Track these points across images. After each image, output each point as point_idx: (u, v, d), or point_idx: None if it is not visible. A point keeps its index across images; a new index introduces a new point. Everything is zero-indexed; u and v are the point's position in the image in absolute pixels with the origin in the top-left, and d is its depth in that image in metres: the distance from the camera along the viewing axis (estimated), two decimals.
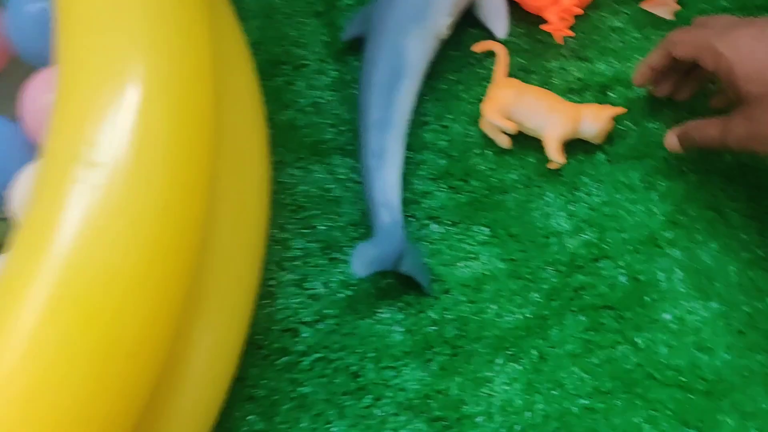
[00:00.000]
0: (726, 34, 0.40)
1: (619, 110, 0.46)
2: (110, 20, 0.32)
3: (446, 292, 0.47)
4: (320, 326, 0.47)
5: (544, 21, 0.50)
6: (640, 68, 0.46)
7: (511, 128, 0.47)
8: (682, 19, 0.51)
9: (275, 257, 0.49)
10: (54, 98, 0.31)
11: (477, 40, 0.52)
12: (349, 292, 0.47)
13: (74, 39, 0.32)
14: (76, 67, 0.31)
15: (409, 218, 0.49)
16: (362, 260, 0.43)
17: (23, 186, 0.36)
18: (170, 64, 0.32)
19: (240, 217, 0.44)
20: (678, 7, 0.50)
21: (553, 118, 0.46)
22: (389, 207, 0.46)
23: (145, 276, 0.28)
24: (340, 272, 0.48)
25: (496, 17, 0.51)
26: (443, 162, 0.50)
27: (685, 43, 0.43)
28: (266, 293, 0.48)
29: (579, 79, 0.50)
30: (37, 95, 0.37)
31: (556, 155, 0.46)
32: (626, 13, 0.52)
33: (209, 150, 0.33)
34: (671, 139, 0.45)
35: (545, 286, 0.46)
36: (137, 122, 0.29)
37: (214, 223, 0.40)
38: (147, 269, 0.28)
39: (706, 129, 0.43)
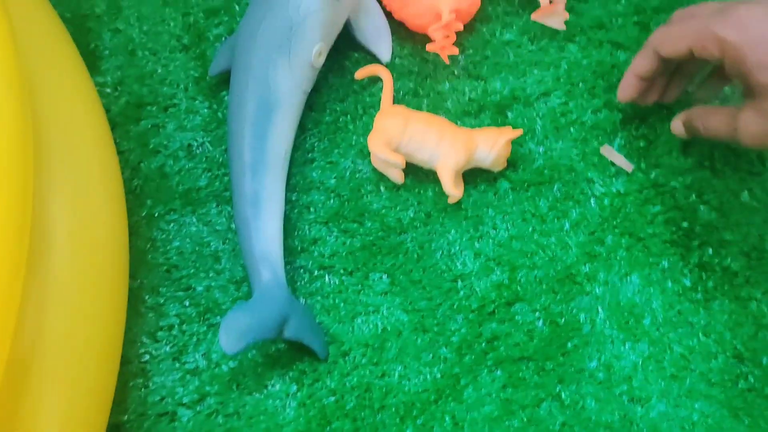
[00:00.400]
0: (726, 17, 0.35)
1: (517, 133, 0.41)
2: None
3: (345, 354, 0.41)
4: (201, 408, 0.40)
5: (430, 39, 0.45)
6: (627, 80, 0.41)
7: (400, 162, 0.42)
8: (573, 27, 0.47)
9: (148, 327, 0.42)
10: None
11: (361, 64, 0.47)
12: (233, 364, 0.41)
13: None
14: None
15: (299, 270, 0.43)
16: (234, 332, 0.36)
17: None
18: None
19: (88, 288, 0.37)
20: (567, 15, 0.46)
21: (444, 147, 0.41)
22: (269, 262, 0.40)
23: None
24: None
25: (379, 39, 0.46)
26: (333, 203, 0.44)
27: (675, 37, 0.37)
28: (138, 371, 0.41)
29: (473, 99, 0.46)
30: None
31: (451, 189, 0.41)
32: (517, 25, 0.47)
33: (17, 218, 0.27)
34: (677, 125, 0.41)
35: (455, 339, 0.41)
36: None
37: (47, 287, 0.34)
38: None
39: (712, 120, 0.38)
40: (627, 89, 0.41)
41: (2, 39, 0.30)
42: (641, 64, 0.40)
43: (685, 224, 0.42)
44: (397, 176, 0.43)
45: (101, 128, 0.41)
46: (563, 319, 0.41)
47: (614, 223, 0.42)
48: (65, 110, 0.38)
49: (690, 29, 0.37)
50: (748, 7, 0.34)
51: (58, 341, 0.34)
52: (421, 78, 0.46)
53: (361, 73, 0.45)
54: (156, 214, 0.45)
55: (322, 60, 0.44)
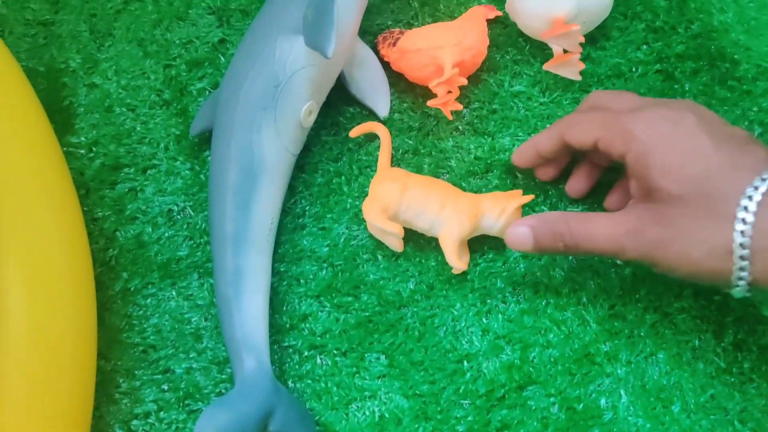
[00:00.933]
0: (638, 113, 0.33)
1: (528, 198, 0.37)
2: None
3: None
4: None
5: (432, 92, 0.42)
6: (526, 148, 0.39)
7: (397, 232, 0.38)
8: (589, 77, 0.43)
9: (122, 415, 0.38)
10: None
11: (356, 120, 0.43)
12: None
13: None
14: None
15: (288, 350, 0.39)
16: (211, 430, 0.32)
17: None
18: None
19: (47, 375, 0.33)
20: (583, 66, 0.42)
21: (446, 215, 0.37)
22: (252, 347, 0.36)
23: None
24: None
25: (376, 93, 0.43)
26: (325, 274, 0.40)
27: (583, 124, 0.35)
28: None
29: (480, 158, 0.42)
30: None
31: (454, 261, 0.37)
32: (528, 75, 0.44)
33: None
34: (520, 234, 0.35)
35: (461, 428, 0.36)
36: None
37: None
38: None
39: (591, 227, 0.33)
40: (523, 157, 0.39)
41: None
42: (543, 142, 0.38)
43: (717, 298, 0.38)
44: (396, 244, 0.39)
45: (66, 195, 0.37)
46: (582, 405, 0.36)
47: (637, 296, 0.38)
48: (22, 175, 0.35)
49: (600, 120, 0.35)
50: (662, 107, 0.33)
51: None
52: (422, 135, 0.43)
53: (356, 131, 0.41)
54: (132, 288, 0.41)
55: (312, 119, 0.40)
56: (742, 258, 0.29)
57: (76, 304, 0.35)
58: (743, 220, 0.29)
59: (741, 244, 0.29)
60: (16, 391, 0.32)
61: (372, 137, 0.43)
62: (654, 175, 0.31)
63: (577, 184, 0.40)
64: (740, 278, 0.30)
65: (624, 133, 0.33)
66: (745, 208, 0.29)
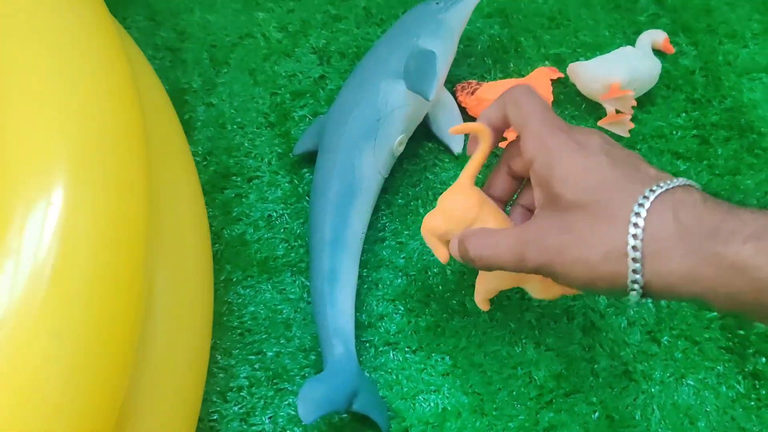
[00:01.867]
0: (557, 131, 0.35)
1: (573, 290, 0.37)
2: (43, 127, 0.29)
3: (406, 430, 0.42)
4: None
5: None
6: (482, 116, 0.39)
7: (442, 257, 0.39)
8: (636, 135, 0.51)
9: (219, 387, 0.44)
10: None
11: (434, 153, 0.50)
12: (298, 430, 0.43)
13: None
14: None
15: (365, 344, 0.45)
16: (310, 402, 0.38)
17: None
18: (97, 178, 0.28)
19: (178, 341, 0.39)
20: (632, 125, 0.49)
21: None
22: (342, 336, 0.42)
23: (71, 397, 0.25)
24: (288, 405, 0.43)
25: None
26: (401, 282, 0.47)
27: (522, 107, 0.37)
28: (207, 429, 0.43)
29: None
30: None
31: (480, 303, 0.41)
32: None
33: (140, 272, 0.30)
34: (452, 245, 0.37)
35: (512, 425, 0.42)
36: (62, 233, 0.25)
37: (147, 346, 0.36)
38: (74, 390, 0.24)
39: (494, 240, 0.35)
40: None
41: (137, 137, 0.33)
42: (491, 111, 0.38)
43: (741, 332, 0.44)
44: (443, 255, 0.39)
45: (198, 197, 0.44)
46: (619, 415, 0.42)
47: (671, 324, 0.44)
48: (171, 178, 0.42)
49: (531, 114, 0.36)
50: (576, 132, 0.35)
51: (151, 392, 0.36)
52: (490, 170, 0.50)
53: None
54: (234, 279, 0.47)
55: (402, 148, 0.47)
56: (634, 260, 0.31)
57: (202, 290, 0.42)
58: (635, 225, 0.31)
59: (633, 247, 0.31)
60: (157, 357, 0.38)
61: (446, 168, 0.50)
62: (555, 183, 0.33)
63: (499, 184, 0.41)
64: (634, 281, 0.31)
65: (540, 138, 0.35)
66: (637, 213, 0.31)
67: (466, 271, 0.47)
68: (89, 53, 0.32)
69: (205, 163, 0.51)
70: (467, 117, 0.51)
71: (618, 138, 0.50)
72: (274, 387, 0.44)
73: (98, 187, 0.30)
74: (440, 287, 0.46)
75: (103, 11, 0.36)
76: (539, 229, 0.34)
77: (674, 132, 0.51)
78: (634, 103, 0.50)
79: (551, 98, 0.50)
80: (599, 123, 0.50)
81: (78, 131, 0.31)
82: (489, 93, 0.50)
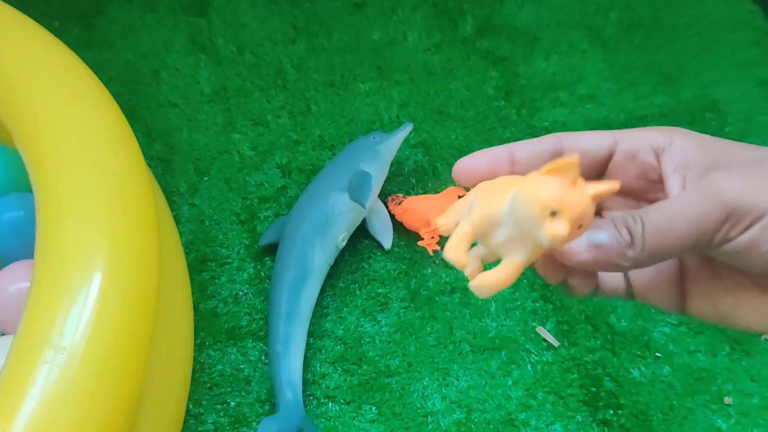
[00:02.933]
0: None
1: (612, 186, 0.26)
2: (80, 230, 0.42)
3: None
4: None
5: (421, 237, 0.64)
6: (491, 155, 0.29)
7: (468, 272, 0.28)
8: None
9: (189, 431, 0.55)
10: (28, 290, 0.39)
11: (369, 248, 0.65)
12: None
13: (50, 248, 0.41)
14: (51, 270, 0.40)
15: (309, 397, 0.57)
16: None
17: None
18: (126, 269, 0.41)
19: (164, 391, 0.51)
20: None
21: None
22: (292, 387, 0.54)
23: None
24: None
25: (384, 232, 0.65)
26: (339, 348, 0.60)
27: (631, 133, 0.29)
28: None
29: (448, 282, 0.63)
30: (4, 285, 0.45)
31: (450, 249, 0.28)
32: None
33: (150, 338, 0.42)
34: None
35: None
36: (97, 315, 0.38)
37: (143, 396, 0.47)
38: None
39: (666, 209, 0.25)
40: (477, 164, 0.29)
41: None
42: (523, 149, 0.29)
43: (593, 389, 0.58)
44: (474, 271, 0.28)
45: (186, 280, 0.57)
46: None
47: (544, 383, 0.58)
48: (170, 266, 0.55)
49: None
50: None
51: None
52: (412, 263, 0.64)
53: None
54: (206, 344, 0.59)
55: (344, 243, 0.62)
56: None
57: (185, 353, 0.54)
58: None
59: None
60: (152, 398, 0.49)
61: (377, 261, 0.64)
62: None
63: None
64: None
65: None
66: None
67: (391, 341, 0.60)
68: (125, 193, 0.45)
69: (187, 250, 0.64)
70: (395, 222, 0.66)
71: None
72: (236, 431, 0.55)
73: (124, 287, 0.41)
74: (371, 353, 0.59)
75: (138, 157, 0.49)
76: (715, 183, 0.25)
77: None
78: None
79: None
80: None
81: (112, 239, 0.43)
82: (412, 204, 0.65)
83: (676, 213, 0.25)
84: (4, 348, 0.43)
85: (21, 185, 0.53)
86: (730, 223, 0.25)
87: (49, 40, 0.57)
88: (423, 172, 0.71)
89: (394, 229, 0.66)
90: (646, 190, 0.30)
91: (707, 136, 0.28)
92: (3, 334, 0.46)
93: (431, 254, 0.64)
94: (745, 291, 0.27)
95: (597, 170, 0.30)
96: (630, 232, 0.25)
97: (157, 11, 0.81)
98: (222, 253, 0.64)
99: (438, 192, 0.69)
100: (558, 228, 0.24)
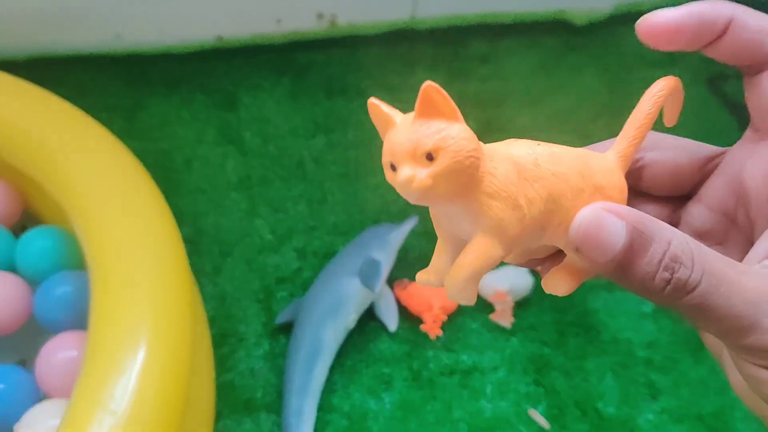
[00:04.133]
0: None
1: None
2: (129, 306, 0.48)
3: None
4: None
5: (423, 321, 0.70)
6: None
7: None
8: (515, 327, 0.72)
9: None
10: (80, 358, 0.45)
11: (375, 330, 0.70)
12: None
13: (102, 318, 0.48)
14: (103, 339, 0.46)
15: None
16: None
17: (28, 423, 0.48)
18: (166, 341, 0.47)
19: None
20: (512, 319, 0.71)
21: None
22: None
23: None
24: None
25: (389, 315, 0.70)
26: (345, 423, 0.64)
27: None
28: None
29: (447, 365, 0.69)
30: (53, 353, 0.51)
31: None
32: (480, 320, 0.73)
33: (184, 403, 0.47)
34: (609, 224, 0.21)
35: None
36: (142, 383, 0.43)
37: None
38: None
39: (734, 273, 0.20)
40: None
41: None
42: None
43: None
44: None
45: (210, 353, 0.63)
46: None
47: None
48: (198, 341, 0.61)
49: None
50: None
51: None
52: (415, 345, 0.70)
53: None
54: (224, 414, 0.64)
55: (353, 324, 0.68)
56: None
57: (206, 422, 0.59)
58: None
59: None
60: None
61: (383, 342, 0.70)
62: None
63: None
64: None
65: None
66: None
67: (393, 417, 0.65)
68: (167, 272, 0.52)
69: (210, 325, 0.70)
70: (401, 306, 0.72)
71: (502, 328, 0.72)
72: None
73: (164, 358, 0.47)
74: (374, 428, 0.64)
75: (178, 240, 0.56)
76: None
77: (542, 326, 0.73)
78: (512, 305, 0.72)
79: None
80: (490, 317, 0.72)
81: (155, 314, 0.49)
82: (416, 290, 0.72)
83: (755, 298, 0.19)
84: (50, 409, 0.48)
85: (70, 263, 0.59)
86: None
87: (99, 130, 0.65)
88: (427, 259, 0.77)
89: (399, 313, 0.72)
90: (724, 220, 0.23)
91: None
92: (48, 397, 0.52)
93: (433, 338, 0.70)
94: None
95: (679, 190, 0.24)
96: (671, 276, 0.19)
97: (192, 107, 0.90)
98: (241, 329, 0.70)
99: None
100: (394, 176, 0.21)
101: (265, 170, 0.85)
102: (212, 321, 0.70)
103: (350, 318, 0.67)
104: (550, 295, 0.24)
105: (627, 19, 1.05)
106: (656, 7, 0.24)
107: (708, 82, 1.02)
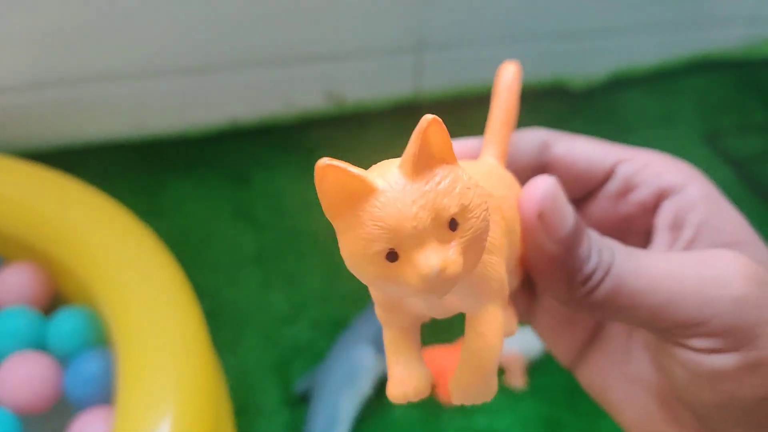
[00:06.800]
0: None
1: None
2: (155, 382, 0.51)
3: None
4: None
5: (438, 386, 0.71)
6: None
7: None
8: (532, 390, 0.74)
9: None
10: None
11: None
12: None
13: (128, 393, 0.50)
14: (130, 413, 0.48)
15: None
16: None
17: None
18: (191, 415, 0.50)
19: None
20: (525, 380, 0.72)
21: None
22: None
23: None
24: None
25: None
26: None
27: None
28: None
29: (463, 428, 0.70)
30: (82, 429, 0.53)
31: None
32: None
33: None
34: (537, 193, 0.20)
35: None
36: None
37: None
38: None
39: (646, 261, 0.20)
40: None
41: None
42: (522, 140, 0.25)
43: None
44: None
45: (232, 422, 0.65)
46: None
47: None
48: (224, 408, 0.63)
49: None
50: None
51: None
52: (430, 410, 0.71)
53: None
54: None
55: (370, 391, 0.69)
56: None
57: None
58: None
59: None
60: None
61: (398, 407, 0.71)
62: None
63: None
64: None
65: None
66: None
67: None
68: (191, 348, 0.55)
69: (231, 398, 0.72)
70: None
71: (515, 390, 0.73)
72: None
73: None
74: None
75: (200, 316, 0.59)
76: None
77: (555, 387, 0.74)
78: (525, 366, 0.74)
79: None
80: (504, 379, 0.73)
81: (180, 389, 0.52)
82: (429, 356, 0.73)
83: (666, 274, 0.18)
84: None
85: (98, 341, 0.62)
86: (727, 338, 0.18)
87: (122, 213, 0.69)
88: (438, 324, 0.79)
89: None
90: (622, 235, 0.23)
91: (724, 200, 0.23)
92: None
93: (447, 405, 0.71)
94: (651, 393, 0.22)
95: (582, 191, 0.23)
96: (599, 260, 0.18)
97: (208, 185, 0.95)
98: (260, 399, 0.72)
99: (452, 342, 0.77)
100: (403, 269, 0.16)
101: (279, 244, 0.88)
102: (232, 391, 0.72)
103: (365, 386, 0.68)
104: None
105: (623, 82, 1.10)
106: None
107: (707, 139, 1.05)
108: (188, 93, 0.95)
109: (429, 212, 0.15)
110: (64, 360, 0.60)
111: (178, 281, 0.63)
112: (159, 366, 0.52)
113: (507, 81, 0.24)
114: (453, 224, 0.15)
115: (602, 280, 0.19)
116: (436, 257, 0.15)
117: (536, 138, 0.24)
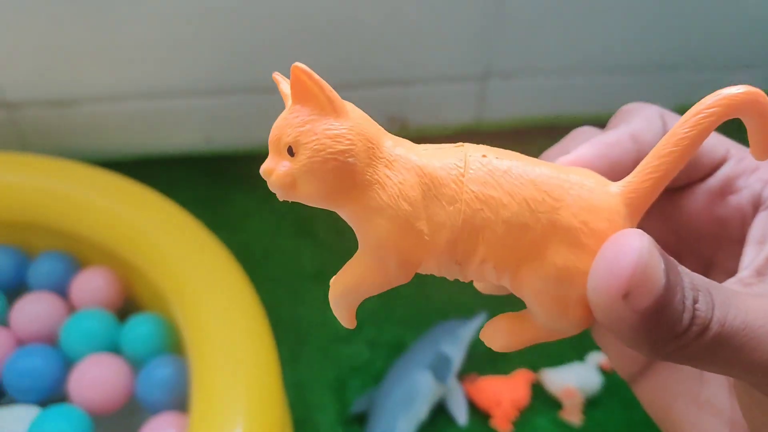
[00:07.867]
0: None
1: None
2: (226, 389, 0.52)
3: None
4: None
5: (492, 416, 0.71)
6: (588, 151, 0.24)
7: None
8: (588, 427, 0.73)
9: None
10: None
11: (446, 424, 0.72)
12: None
13: (202, 401, 0.51)
14: (203, 420, 0.50)
15: None
16: None
17: None
18: (260, 422, 0.51)
19: None
20: (582, 416, 0.71)
21: None
22: None
23: None
24: None
25: (459, 409, 0.72)
26: None
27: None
28: None
29: None
30: None
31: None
32: (549, 416, 0.73)
33: None
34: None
35: None
36: None
37: None
38: None
39: (743, 300, 0.18)
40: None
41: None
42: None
43: None
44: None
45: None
46: None
47: None
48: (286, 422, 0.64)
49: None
50: None
51: None
52: None
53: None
54: None
55: (425, 417, 0.69)
56: None
57: None
58: None
59: None
60: None
61: (449, 429, 0.71)
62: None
63: None
64: None
65: None
66: None
67: None
68: (259, 357, 0.56)
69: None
70: (470, 401, 0.74)
71: (571, 426, 0.72)
72: None
73: None
74: None
75: (267, 327, 0.61)
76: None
77: (611, 424, 0.73)
78: (582, 402, 0.73)
79: (529, 393, 0.73)
80: (559, 414, 0.72)
81: (250, 396, 0.53)
82: (485, 385, 0.73)
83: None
84: None
85: (167, 348, 0.64)
86: None
87: (192, 222, 0.71)
88: (495, 354, 0.79)
89: (468, 407, 0.73)
90: (714, 240, 0.20)
91: None
92: None
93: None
94: (713, 413, 0.21)
95: (685, 179, 0.20)
96: (692, 312, 0.16)
97: (272, 201, 0.97)
98: (317, 417, 0.73)
99: (508, 374, 0.77)
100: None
101: (338, 263, 0.89)
102: (291, 407, 0.73)
103: (422, 411, 0.68)
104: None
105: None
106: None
107: None
108: (255, 111, 0.98)
109: (275, 134, 0.20)
110: (136, 364, 0.62)
111: (247, 294, 0.64)
112: (231, 376, 0.53)
113: (705, 107, 0.18)
114: (290, 151, 0.19)
115: (700, 335, 0.17)
116: (265, 164, 0.20)
117: (657, 112, 0.22)
